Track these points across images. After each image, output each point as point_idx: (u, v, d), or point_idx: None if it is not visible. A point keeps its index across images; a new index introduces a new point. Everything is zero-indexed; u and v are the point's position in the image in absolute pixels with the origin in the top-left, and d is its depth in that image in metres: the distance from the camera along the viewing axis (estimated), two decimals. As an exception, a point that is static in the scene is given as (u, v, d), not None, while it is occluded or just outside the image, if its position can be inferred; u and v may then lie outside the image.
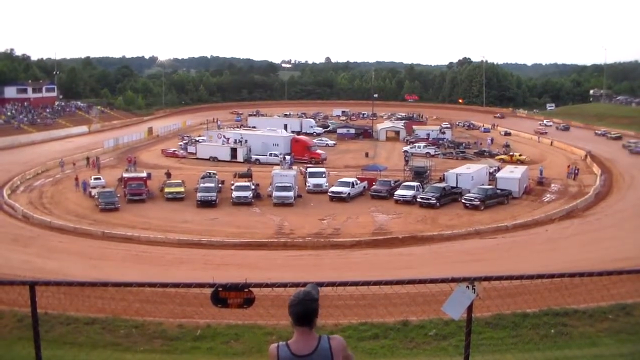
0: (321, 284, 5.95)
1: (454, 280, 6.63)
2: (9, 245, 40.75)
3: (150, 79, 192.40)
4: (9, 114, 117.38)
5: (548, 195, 60.00)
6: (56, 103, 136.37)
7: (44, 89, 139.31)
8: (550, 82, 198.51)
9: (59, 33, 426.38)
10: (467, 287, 6.58)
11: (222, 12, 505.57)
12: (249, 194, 55.34)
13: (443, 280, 6.64)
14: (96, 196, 54.14)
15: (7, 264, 35.01)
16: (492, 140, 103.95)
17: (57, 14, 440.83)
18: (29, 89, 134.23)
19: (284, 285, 6.12)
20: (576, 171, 69.73)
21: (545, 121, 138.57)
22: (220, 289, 6.40)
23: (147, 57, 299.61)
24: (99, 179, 61.79)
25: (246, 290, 6.40)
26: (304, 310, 5.28)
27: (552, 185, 64.74)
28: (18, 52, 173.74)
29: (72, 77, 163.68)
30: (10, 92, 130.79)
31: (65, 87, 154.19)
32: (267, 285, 6.50)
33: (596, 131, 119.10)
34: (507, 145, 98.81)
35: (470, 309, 6.71)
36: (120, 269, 35.62)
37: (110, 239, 43.44)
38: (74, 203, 55.76)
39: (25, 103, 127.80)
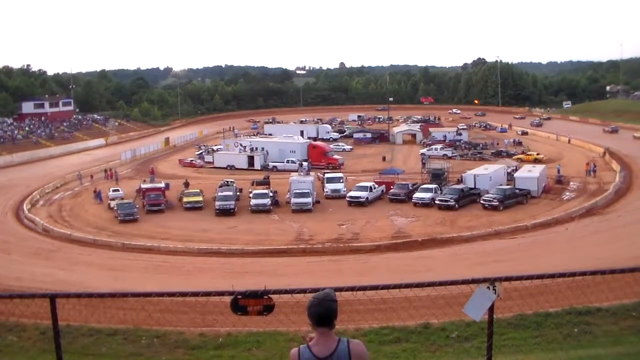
0: (340, 289, 5.93)
1: (474, 281, 6.58)
2: (30, 259, 41.12)
3: (165, 90, 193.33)
4: (27, 129, 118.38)
5: (567, 194, 59.52)
6: (73, 117, 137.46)
7: (60, 103, 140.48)
8: (566, 80, 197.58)
9: (74, 47, 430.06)
10: (488, 288, 6.53)
11: (235, 21, 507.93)
12: (267, 201, 55.37)
13: (463, 282, 6.59)
14: (115, 208, 54.41)
15: (30, 277, 35.35)
16: (515, 141, 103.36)
17: (72, 29, 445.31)
18: (46, 104, 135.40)
19: (304, 291, 6.09)
20: (595, 168, 69.14)
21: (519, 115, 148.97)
22: (240, 296, 6.38)
23: (161, 68, 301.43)
24: (118, 190, 62.07)
25: (265, 297, 6.38)
26: (325, 311, 5.28)
27: (571, 183, 64.22)
28: (34, 68, 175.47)
29: (88, 91, 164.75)
30: (27, 107, 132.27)
31: (81, 100, 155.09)
32: (286, 292, 6.47)
33: (605, 128, 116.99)
34: (519, 143, 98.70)
35: (491, 310, 6.65)
36: (141, 279, 35.77)
37: (130, 250, 43.67)
38: (93, 215, 56.08)
39: (43, 118, 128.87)
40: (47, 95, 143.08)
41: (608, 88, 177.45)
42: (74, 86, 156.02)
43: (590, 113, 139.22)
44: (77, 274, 37.17)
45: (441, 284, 6.71)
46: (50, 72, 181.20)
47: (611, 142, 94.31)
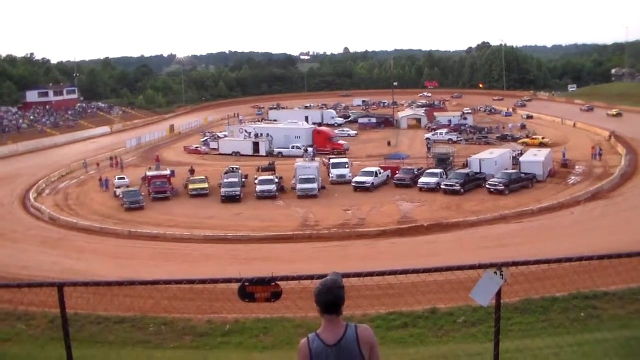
0: (348, 275, 5.94)
1: (481, 266, 6.59)
2: (38, 248, 41.26)
3: (170, 77, 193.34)
4: (32, 117, 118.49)
5: (573, 178, 59.40)
6: (78, 105, 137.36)
7: (65, 91, 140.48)
8: (571, 63, 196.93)
9: (78, 35, 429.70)
10: (495, 273, 6.54)
11: (238, 7, 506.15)
12: (273, 187, 55.42)
13: (471, 267, 6.59)
14: (121, 196, 54.50)
15: (37, 266, 35.48)
16: (522, 125, 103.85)
17: (75, 17, 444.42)
18: (51, 93, 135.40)
19: (311, 277, 6.10)
20: (601, 152, 68.96)
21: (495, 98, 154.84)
22: (247, 283, 6.41)
23: (165, 55, 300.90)
24: (123, 178, 62.11)
25: (273, 284, 6.41)
26: (333, 298, 5.29)
27: (577, 167, 64.09)
28: (38, 57, 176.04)
29: (92, 79, 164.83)
30: (32, 96, 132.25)
31: (85, 88, 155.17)
32: (293, 279, 6.50)
33: (582, 107, 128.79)
34: (523, 127, 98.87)
35: (498, 295, 6.67)
36: (148, 267, 35.84)
37: (136, 238, 43.78)
38: (99, 203, 56.18)
39: (48, 106, 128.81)
40: (51, 84, 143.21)
41: (614, 71, 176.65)
42: (78, 74, 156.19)
43: (595, 96, 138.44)
44: (83, 262, 37.28)
45: (448, 269, 6.73)
46: (54, 61, 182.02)
47: (586, 119, 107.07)
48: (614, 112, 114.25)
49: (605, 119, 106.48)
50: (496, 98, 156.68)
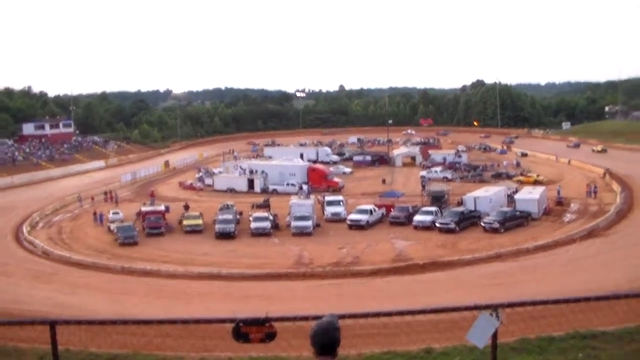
0: (343, 316, 5.89)
1: (476, 307, 6.54)
2: (30, 282, 40.94)
3: (165, 112, 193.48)
4: (27, 150, 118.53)
5: (568, 215, 59.44)
6: (73, 138, 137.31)
7: (61, 124, 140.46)
8: (564, 101, 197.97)
9: (75, 69, 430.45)
10: (491, 314, 6.48)
11: (234, 44, 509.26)
12: (267, 224, 55.27)
13: (466, 309, 6.55)
14: (115, 230, 54.32)
15: (30, 300, 35.19)
16: (517, 162, 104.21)
17: (73, 51, 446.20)
18: (47, 126, 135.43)
19: (305, 318, 6.05)
20: (595, 189, 69.09)
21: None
22: (242, 324, 6.34)
23: (162, 90, 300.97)
24: (118, 213, 61.92)
25: (267, 324, 6.34)
26: (328, 340, 5.26)
27: (572, 204, 64.10)
28: (35, 89, 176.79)
29: (88, 112, 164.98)
30: (28, 128, 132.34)
31: (81, 122, 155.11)
32: (288, 319, 6.44)
33: (569, 144, 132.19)
34: (518, 164, 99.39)
35: (494, 335, 6.61)
36: (141, 303, 35.61)
37: (130, 273, 43.48)
38: (93, 238, 55.95)
39: (43, 139, 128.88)
40: (47, 117, 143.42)
41: (607, 109, 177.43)
42: (74, 108, 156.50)
43: (589, 134, 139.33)
44: (76, 297, 36.99)
45: (444, 310, 6.68)
46: (51, 94, 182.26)
47: (573, 155, 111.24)
48: (598, 148, 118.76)
49: (591, 155, 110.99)
50: (483, 135, 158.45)
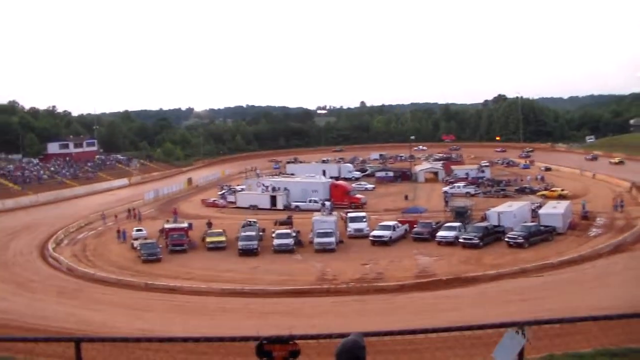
0: (367, 334, 5.83)
1: (502, 325, 6.44)
2: (55, 298, 41.43)
3: (188, 130, 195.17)
4: (52, 169, 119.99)
5: (594, 230, 58.70)
6: (97, 157, 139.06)
7: (84, 143, 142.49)
8: (588, 114, 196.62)
9: (98, 89, 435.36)
10: (517, 332, 6.39)
11: (256, 61, 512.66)
12: (290, 241, 55.22)
13: (492, 326, 6.46)
14: (138, 247, 54.61)
15: (54, 316, 35.52)
16: (541, 177, 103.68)
17: (96, 71, 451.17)
18: (71, 144, 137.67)
19: (329, 336, 6.01)
20: (622, 203, 68.30)
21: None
22: (265, 342, 6.31)
23: (184, 108, 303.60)
24: (141, 230, 62.30)
25: (291, 342, 6.30)
26: (353, 359, 5.20)
27: (598, 219, 63.29)
28: (60, 109, 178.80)
29: (111, 131, 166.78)
30: (53, 147, 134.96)
31: (105, 141, 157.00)
32: (312, 337, 6.40)
33: (586, 156, 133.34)
34: (541, 179, 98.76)
35: (521, 353, 6.50)
36: (164, 319, 35.72)
37: (153, 290, 43.68)
38: (117, 255, 56.32)
39: (68, 158, 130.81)
40: (71, 136, 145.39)
41: (632, 121, 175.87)
42: (97, 127, 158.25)
43: (614, 147, 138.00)
44: (100, 313, 37.19)
45: (469, 328, 6.60)
46: (75, 113, 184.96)
47: (590, 167, 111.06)
48: (616, 160, 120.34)
49: (608, 167, 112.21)
50: (498, 149, 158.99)
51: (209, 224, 64.72)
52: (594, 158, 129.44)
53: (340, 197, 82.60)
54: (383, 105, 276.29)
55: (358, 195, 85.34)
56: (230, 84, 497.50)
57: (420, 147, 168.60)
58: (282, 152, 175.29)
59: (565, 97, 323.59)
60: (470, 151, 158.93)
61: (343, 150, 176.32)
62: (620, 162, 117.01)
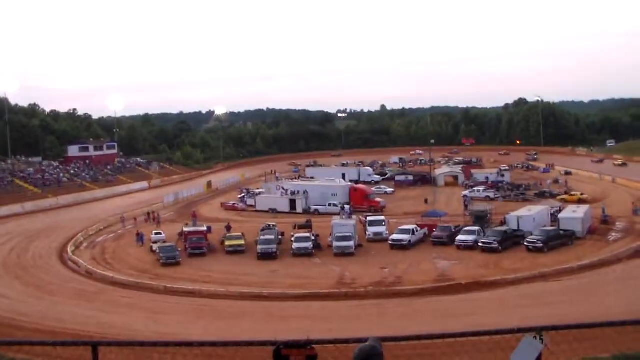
0: (385, 339, 5.83)
1: (520, 330, 6.42)
2: (74, 301, 41.64)
3: (207, 134, 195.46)
4: (72, 172, 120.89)
5: (614, 234, 58.22)
6: (117, 160, 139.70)
7: (105, 146, 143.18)
8: (608, 118, 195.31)
9: (119, 92, 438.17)
10: (535, 337, 6.36)
11: (276, 65, 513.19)
12: (309, 244, 55.19)
13: (509, 332, 6.43)
14: (157, 251, 54.79)
15: (73, 319, 35.75)
16: (561, 181, 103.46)
17: (116, 75, 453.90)
18: (91, 147, 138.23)
19: (346, 341, 6.01)
20: (642, 208, 67.76)
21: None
22: (282, 346, 6.32)
23: (204, 112, 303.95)
24: (160, 233, 62.47)
25: (308, 347, 6.31)
26: None
27: (617, 223, 62.85)
28: (80, 112, 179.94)
29: (131, 134, 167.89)
30: (73, 150, 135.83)
31: (125, 144, 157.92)
32: (329, 342, 6.40)
33: (593, 159, 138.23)
34: (556, 181, 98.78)
35: (538, 359, 6.48)
36: (183, 323, 35.82)
37: (172, 294, 43.81)
38: (136, 258, 56.52)
39: (87, 161, 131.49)
40: (92, 139, 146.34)
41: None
42: (117, 130, 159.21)
43: (635, 151, 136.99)
44: (119, 316, 37.40)
45: (486, 333, 6.57)
46: (95, 116, 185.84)
47: (596, 168, 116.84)
48: (619, 162, 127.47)
49: (612, 169, 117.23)
50: (502, 152, 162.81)
51: (228, 228, 64.86)
52: (601, 161, 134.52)
53: (359, 201, 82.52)
54: (403, 109, 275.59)
55: (377, 199, 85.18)
56: (251, 88, 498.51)
57: (417, 151, 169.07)
58: (302, 156, 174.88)
59: (587, 100, 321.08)
60: (474, 154, 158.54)
61: (342, 155, 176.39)
62: (624, 164, 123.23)
